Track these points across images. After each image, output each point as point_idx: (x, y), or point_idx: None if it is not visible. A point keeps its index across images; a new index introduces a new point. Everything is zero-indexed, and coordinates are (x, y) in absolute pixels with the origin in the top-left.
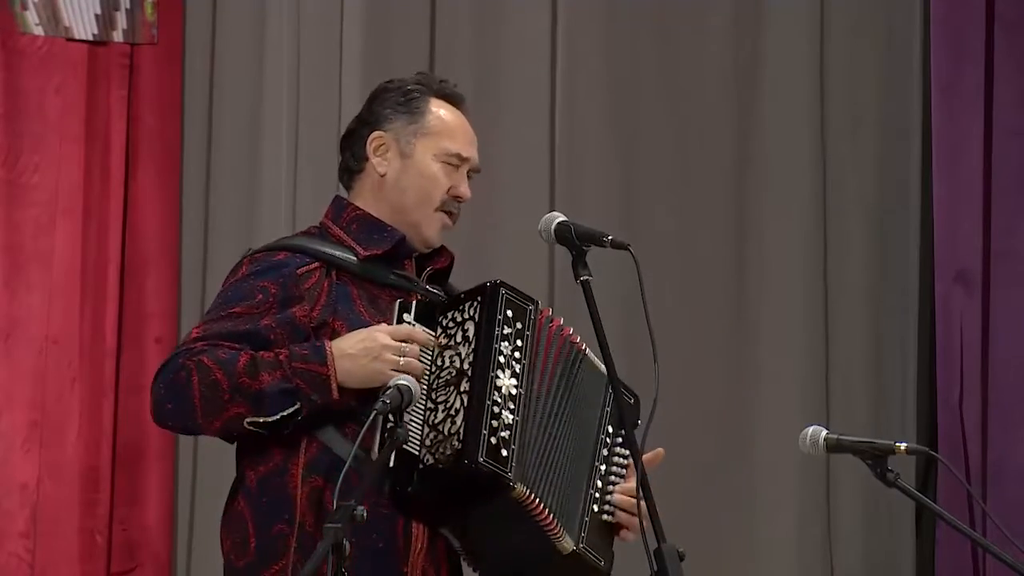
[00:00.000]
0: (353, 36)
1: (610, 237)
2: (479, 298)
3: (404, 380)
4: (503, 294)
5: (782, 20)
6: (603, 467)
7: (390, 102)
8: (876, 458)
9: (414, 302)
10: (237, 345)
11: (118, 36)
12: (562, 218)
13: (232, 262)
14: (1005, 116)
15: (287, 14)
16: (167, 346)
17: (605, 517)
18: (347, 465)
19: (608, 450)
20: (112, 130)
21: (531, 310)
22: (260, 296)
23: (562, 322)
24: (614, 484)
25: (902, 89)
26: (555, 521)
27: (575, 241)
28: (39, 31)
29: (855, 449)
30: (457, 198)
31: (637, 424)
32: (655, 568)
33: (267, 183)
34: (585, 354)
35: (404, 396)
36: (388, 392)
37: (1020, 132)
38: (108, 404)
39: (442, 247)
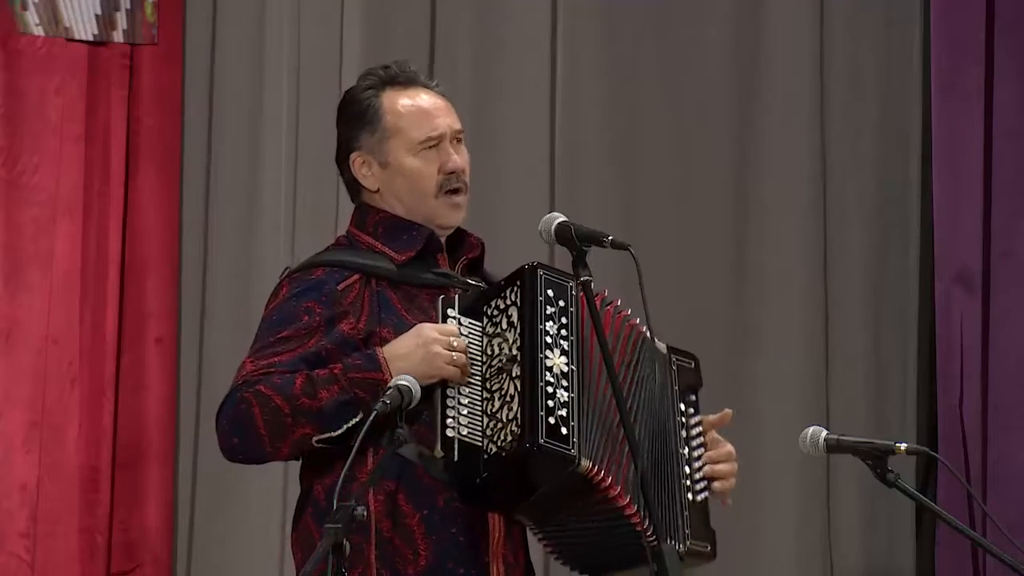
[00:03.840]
0: (353, 36)
1: (610, 237)
2: (518, 282)
3: (404, 380)
4: (541, 274)
5: (782, 21)
6: (685, 450)
7: (350, 119)
8: (876, 458)
9: (456, 297)
10: (291, 371)
11: (118, 36)
12: (562, 218)
13: (232, 262)
14: (1005, 116)
15: (287, 14)
16: (167, 346)
17: (699, 498)
18: (347, 465)
19: (686, 430)
20: (112, 130)
21: (571, 286)
22: (306, 318)
23: (607, 293)
24: (698, 459)
25: (902, 89)
26: (632, 503)
27: (575, 241)
28: (39, 31)
29: (855, 449)
30: (451, 173)
31: (701, 383)
32: (655, 568)
33: (267, 183)
34: (636, 326)
35: (404, 396)
36: (388, 392)
37: (1020, 132)
38: (108, 404)
39: (470, 236)
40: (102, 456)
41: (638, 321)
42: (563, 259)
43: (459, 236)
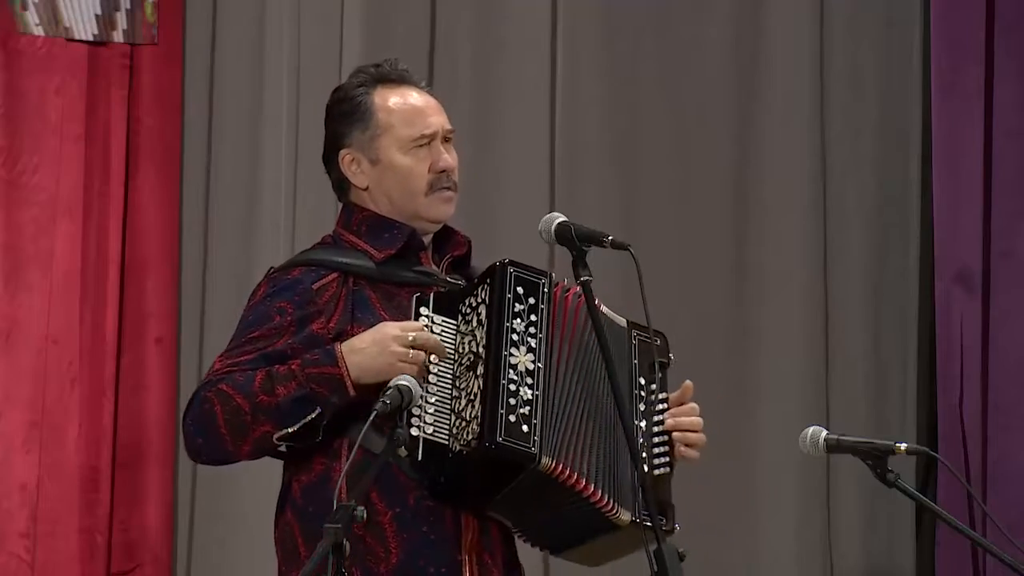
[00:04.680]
0: (353, 36)
1: (610, 237)
2: (488, 280)
3: (404, 380)
4: (511, 272)
5: (782, 21)
6: (643, 423)
7: (340, 116)
8: (876, 458)
9: (431, 295)
10: (252, 368)
11: (118, 36)
12: (562, 218)
13: (232, 262)
14: (1005, 116)
15: (287, 14)
16: (167, 346)
17: (658, 472)
18: (347, 465)
19: (644, 404)
20: (112, 130)
21: (543, 283)
22: (278, 318)
23: (580, 290)
24: (658, 433)
25: (902, 89)
26: (597, 490)
27: (575, 241)
28: (39, 31)
29: (855, 449)
30: (442, 171)
31: (669, 361)
32: (655, 568)
33: (267, 183)
34: (603, 314)
35: (404, 396)
36: (388, 392)
37: (1020, 132)
38: (108, 404)
39: (456, 233)
40: (102, 456)
41: (596, 301)
42: (563, 259)
43: (446, 234)
